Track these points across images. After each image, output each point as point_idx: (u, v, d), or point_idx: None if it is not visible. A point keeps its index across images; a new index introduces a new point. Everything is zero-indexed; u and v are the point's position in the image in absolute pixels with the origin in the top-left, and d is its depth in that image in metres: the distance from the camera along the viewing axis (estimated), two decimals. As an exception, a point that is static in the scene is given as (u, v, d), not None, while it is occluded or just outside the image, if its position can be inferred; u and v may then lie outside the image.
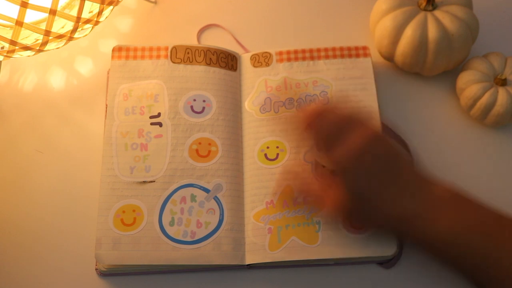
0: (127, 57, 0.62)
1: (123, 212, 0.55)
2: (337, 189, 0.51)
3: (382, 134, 0.54)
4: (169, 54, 0.62)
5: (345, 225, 0.54)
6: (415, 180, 0.51)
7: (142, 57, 0.62)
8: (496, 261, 0.48)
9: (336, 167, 0.51)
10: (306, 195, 0.56)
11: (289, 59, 0.63)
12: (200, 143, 0.58)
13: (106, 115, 0.60)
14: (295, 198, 0.56)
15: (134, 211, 0.56)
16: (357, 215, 0.52)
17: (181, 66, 0.62)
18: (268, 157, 0.58)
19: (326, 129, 0.52)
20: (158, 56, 0.62)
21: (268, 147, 0.59)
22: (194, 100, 0.60)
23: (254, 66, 0.63)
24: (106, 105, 0.61)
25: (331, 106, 0.55)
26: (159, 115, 0.60)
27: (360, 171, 0.50)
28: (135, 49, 0.63)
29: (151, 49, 0.63)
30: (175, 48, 0.63)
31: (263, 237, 0.54)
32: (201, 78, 0.61)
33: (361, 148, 0.50)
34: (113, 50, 0.62)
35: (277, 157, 0.58)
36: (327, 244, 0.54)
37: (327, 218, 0.55)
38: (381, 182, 0.50)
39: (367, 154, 0.50)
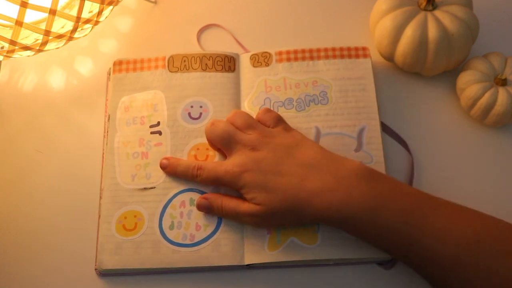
0: (127, 70, 0.63)
1: (125, 218, 0.56)
2: (246, 201, 0.52)
3: (282, 126, 0.56)
4: (166, 64, 0.63)
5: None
6: (323, 157, 0.51)
7: (141, 68, 0.63)
8: (417, 240, 0.46)
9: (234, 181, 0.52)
10: (223, 214, 0.55)
11: (288, 59, 0.63)
12: (198, 149, 0.59)
13: (108, 125, 0.60)
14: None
15: (135, 216, 0.56)
16: (274, 216, 0.52)
17: (178, 74, 0.62)
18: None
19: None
20: (156, 67, 0.63)
21: (267, 147, 0.59)
22: (192, 106, 0.61)
23: (254, 66, 0.63)
24: (106, 112, 0.62)
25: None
26: (158, 124, 0.60)
27: (256, 169, 0.51)
28: (135, 62, 0.63)
29: (149, 60, 0.63)
30: (172, 57, 0.63)
31: (262, 237, 0.54)
32: (198, 85, 0.62)
33: (254, 148, 0.53)
34: (114, 64, 0.63)
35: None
36: (326, 244, 0.54)
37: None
38: (283, 167, 0.51)
39: (261, 150, 0.52)
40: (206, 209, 0.55)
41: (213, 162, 0.56)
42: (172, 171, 0.57)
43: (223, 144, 0.55)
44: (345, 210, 0.48)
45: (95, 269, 0.55)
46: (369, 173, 0.50)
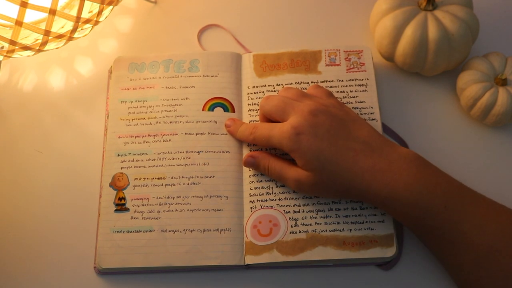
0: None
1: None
2: (296, 165, 0.52)
3: (335, 100, 0.56)
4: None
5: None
6: (377, 139, 0.52)
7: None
8: (456, 224, 0.48)
9: (289, 142, 0.51)
10: (268, 173, 0.56)
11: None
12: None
13: (107, 124, 0.60)
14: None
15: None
16: (320, 185, 0.52)
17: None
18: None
19: (269, 112, 0.55)
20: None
21: (267, 147, 0.59)
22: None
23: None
24: (107, 111, 0.61)
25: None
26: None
27: (313, 134, 0.51)
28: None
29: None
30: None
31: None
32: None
33: (312, 112, 0.52)
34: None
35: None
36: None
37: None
38: (339, 139, 0.51)
39: (319, 116, 0.52)
40: (252, 166, 0.56)
41: (269, 123, 0.55)
42: (234, 130, 0.58)
43: (279, 113, 0.54)
44: (393, 190, 0.49)
45: (94, 267, 0.55)
46: (418, 159, 0.51)
